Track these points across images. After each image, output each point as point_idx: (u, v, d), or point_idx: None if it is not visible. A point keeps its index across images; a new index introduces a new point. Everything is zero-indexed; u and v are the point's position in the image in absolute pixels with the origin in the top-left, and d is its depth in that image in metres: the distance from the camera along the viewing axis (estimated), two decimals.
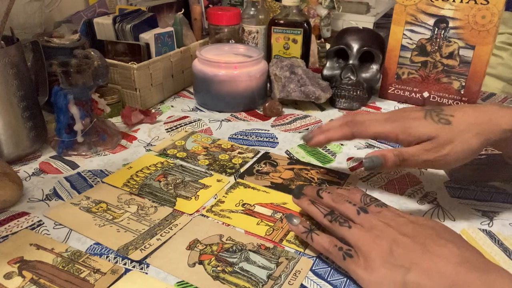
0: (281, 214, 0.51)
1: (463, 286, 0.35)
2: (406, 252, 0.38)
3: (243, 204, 0.52)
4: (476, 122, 0.46)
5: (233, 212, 0.51)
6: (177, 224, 0.49)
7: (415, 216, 0.43)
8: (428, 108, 0.49)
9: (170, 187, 0.55)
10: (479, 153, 0.47)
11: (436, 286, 0.36)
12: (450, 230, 0.41)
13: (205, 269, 0.42)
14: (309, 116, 0.77)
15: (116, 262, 0.43)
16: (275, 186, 0.56)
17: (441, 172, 0.60)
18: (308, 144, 0.53)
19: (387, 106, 0.82)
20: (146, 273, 0.42)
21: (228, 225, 0.49)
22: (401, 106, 0.83)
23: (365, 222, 0.42)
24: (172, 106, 0.80)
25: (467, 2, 0.72)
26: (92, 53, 0.62)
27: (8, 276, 0.41)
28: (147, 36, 0.77)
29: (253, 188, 0.56)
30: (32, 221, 0.49)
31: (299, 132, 0.71)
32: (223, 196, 0.54)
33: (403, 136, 0.48)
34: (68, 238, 0.46)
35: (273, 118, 0.76)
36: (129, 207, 0.51)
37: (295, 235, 0.47)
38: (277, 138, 0.69)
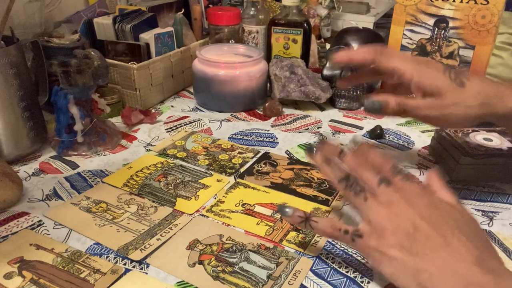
0: None
1: (477, 286, 0.34)
2: (424, 241, 0.36)
3: (243, 204, 0.52)
4: (487, 93, 0.47)
5: (233, 212, 0.51)
6: (177, 224, 0.49)
7: (440, 198, 0.40)
8: (450, 66, 0.50)
9: (170, 187, 0.55)
10: (478, 122, 0.48)
11: (448, 283, 0.35)
12: (472, 222, 0.39)
13: (205, 269, 0.42)
14: (309, 116, 0.77)
15: (116, 262, 0.43)
16: (275, 186, 0.56)
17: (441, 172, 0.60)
18: (331, 61, 0.54)
19: None
20: (146, 273, 0.42)
21: (228, 225, 0.49)
22: None
23: (385, 196, 0.39)
24: (172, 106, 0.80)
25: (467, 2, 0.72)
26: (92, 53, 0.62)
27: (8, 276, 0.41)
28: (147, 36, 0.77)
29: (253, 188, 0.56)
30: (32, 221, 0.49)
31: (299, 132, 0.71)
32: (223, 196, 0.54)
33: (417, 79, 0.49)
34: (68, 238, 0.46)
35: (273, 118, 0.76)
36: (129, 207, 0.51)
37: (295, 235, 0.47)
38: (277, 138, 0.69)
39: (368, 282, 0.42)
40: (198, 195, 0.54)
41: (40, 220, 0.49)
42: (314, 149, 0.45)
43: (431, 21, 0.76)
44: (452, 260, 0.35)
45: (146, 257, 0.44)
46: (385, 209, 0.39)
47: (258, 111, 0.79)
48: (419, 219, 0.37)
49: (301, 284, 0.41)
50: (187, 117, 0.76)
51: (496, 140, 0.58)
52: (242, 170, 0.60)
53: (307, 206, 0.52)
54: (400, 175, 0.41)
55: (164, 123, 0.73)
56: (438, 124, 0.50)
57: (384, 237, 0.38)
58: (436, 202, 0.39)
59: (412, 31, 0.78)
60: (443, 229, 0.37)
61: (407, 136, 0.71)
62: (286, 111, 0.79)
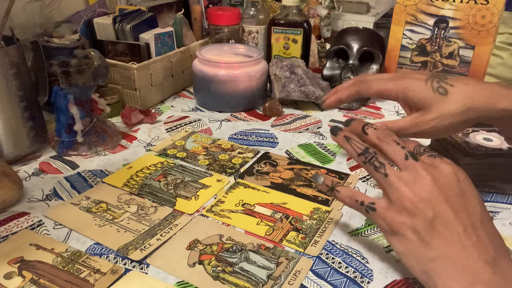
0: (281, 214, 0.51)
1: (485, 285, 0.33)
2: (442, 229, 0.35)
3: (243, 204, 0.52)
4: (474, 95, 0.46)
5: (233, 212, 0.51)
6: (177, 224, 0.49)
7: (468, 185, 0.38)
8: (434, 73, 0.50)
9: (170, 187, 0.55)
10: (467, 127, 0.48)
11: (455, 276, 0.34)
12: (490, 217, 0.38)
13: (205, 269, 0.42)
14: (309, 116, 0.77)
15: (116, 262, 0.43)
16: (275, 186, 0.56)
17: None
18: (322, 107, 0.55)
19: (387, 106, 0.82)
20: (146, 273, 0.42)
21: (228, 225, 0.49)
22: None
23: (411, 171, 0.37)
24: (172, 106, 0.80)
25: (467, 2, 0.72)
26: (92, 53, 0.62)
27: (8, 276, 0.41)
28: (147, 36, 0.77)
29: (253, 188, 0.56)
30: (32, 221, 0.49)
31: (299, 132, 0.71)
32: (223, 196, 0.54)
33: (401, 96, 0.49)
34: (68, 238, 0.46)
35: (273, 118, 0.76)
36: (129, 207, 0.51)
37: (295, 235, 0.47)
38: (277, 138, 0.69)
39: (368, 282, 0.42)
40: (198, 195, 0.54)
41: (40, 220, 0.49)
42: (338, 132, 0.44)
43: (431, 21, 0.76)
44: (466, 255, 0.34)
45: (146, 257, 0.44)
46: (408, 188, 0.36)
47: (258, 111, 0.79)
48: (442, 205, 0.36)
49: (301, 284, 0.41)
50: (187, 117, 0.76)
51: (496, 140, 0.58)
52: (242, 170, 0.60)
53: (307, 206, 0.52)
54: (427, 153, 0.39)
55: (164, 123, 0.73)
56: (429, 137, 0.50)
57: (402, 216, 0.37)
58: (464, 188, 0.37)
59: (412, 31, 0.78)
60: (464, 219, 0.35)
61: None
62: (286, 111, 0.79)
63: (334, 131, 0.44)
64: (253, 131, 0.71)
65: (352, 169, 0.61)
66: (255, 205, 0.52)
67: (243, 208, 0.52)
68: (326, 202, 0.53)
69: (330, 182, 0.44)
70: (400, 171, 0.38)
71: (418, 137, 0.50)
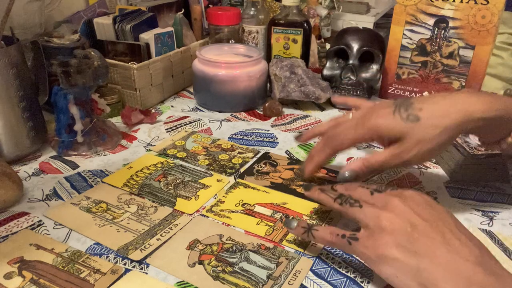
0: (281, 214, 0.51)
1: (480, 287, 0.34)
2: (423, 238, 0.36)
3: (243, 204, 0.52)
4: (446, 113, 0.44)
5: (233, 212, 0.51)
6: (177, 224, 0.49)
7: (434, 201, 0.40)
8: (398, 101, 0.48)
9: (170, 187, 0.55)
10: (450, 144, 0.47)
11: (451, 282, 0.34)
12: (463, 225, 0.39)
13: (205, 269, 0.42)
14: (309, 116, 0.77)
15: (116, 262, 0.43)
16: (275, 186, 0.56)
17: (441, 172, 0.60)
18: (304, 176, 0.55)
19: None
20: (146, 273, 0.42)
21: (228, 225, 0.49)
22: None
23: (379, 200, 0.40)
24: (172, 106, 0.80)
25: (467, 2, 0.72)
26: (92, 53, 0.62)
27: (8, 276, 0.41)
28: (147, 36, 0.77)
29: (253, 188, 0.56)
30: (32, 221, 0.49)
31: (299, 132, 0.71)
32: (223, 196, 0.54)
33: (375, 137, 0.48)
34: (68, 238, 0.46)
35: (273, 118, 0.76)
36: (129, 207, 0.51)
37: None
38: (277, 138, 0.69)
39: (368, 282, 0.42)
40: (198, 195, 0.54)
41: (40, 220, 0.49)
42: (311, 187, 0.48)
43: (431, 21, 0.76)
44: (454, 259, 0.35)
45: (146, 257, 0.44)
46: (381, 211, 0.39)
47: (258, 111, 0.79)
48: (416, 218, 0.38)
49: (301, 284, 0.41)
50: (187, 117, 0.76)
51: None
52: (242, 170, 0.60)
53: (307, 206, 0.52)
54: (390, 188, 0.42)
55: (164, 123, 0.73)
56: (411, 165, 0.49)
57: (383, 238, 0.38)
58: (431, 202, 0.40)
59: (412, 31, 0.78)
60: (441, 226, 0.37)
61: None
62: (286, 111, 0.79)
63: (308, 187, 0.48)
64: (253, 131, 0.71)
65: None
66: (255, 205, 0.52)
67: (243, 208, 0.52)
68: None
69: (306, 224, 0.44)
70: (369, 204, 0.41)
71: (402, 167, 0.49)
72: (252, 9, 0.93)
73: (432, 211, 0.39)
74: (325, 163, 0.53)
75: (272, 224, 0.49)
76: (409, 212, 0.38)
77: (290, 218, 0.46)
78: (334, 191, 0.45)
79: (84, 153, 0.62)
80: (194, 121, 0.74)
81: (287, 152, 0.65)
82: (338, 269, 0.43)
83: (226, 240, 0.46)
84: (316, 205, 0.53)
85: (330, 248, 0.46)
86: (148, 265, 0.43)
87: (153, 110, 0.78)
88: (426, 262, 0.35)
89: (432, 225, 0.37)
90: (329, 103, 0.81)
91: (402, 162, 0.47)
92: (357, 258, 0.45)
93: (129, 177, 0.57)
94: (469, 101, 0.45)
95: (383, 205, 0.40)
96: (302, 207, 0.52)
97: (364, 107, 0.52)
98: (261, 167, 0.61)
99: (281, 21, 0.86)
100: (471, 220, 0.51)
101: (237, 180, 0.58)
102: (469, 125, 0.44)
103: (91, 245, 0.45)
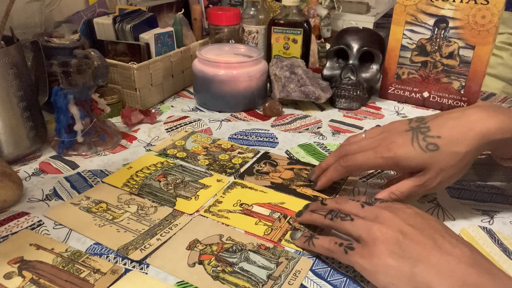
0: (279, 213, 0.51)
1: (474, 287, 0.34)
2: (414, 244, 0.37)
3: (241, 204, 0.52)
4: (465, 139, 0.45)
5: (231, 212, 0.51)
6: (177, 224, 0.49)
7: (421, 211, 0.42)
8: (414, 126, 0.48)
9: (170, 187, 0.55)
10: (470, 166, 0.47)
11: (445, 284, 0.35)
12: (453, 231, 0.40)
13: (205, 269, 0.42)
14: (309, 116, 0.77)
15: (116, 262, 0.43)
16: (275, 186, 0.56)
17: None
18: (314, 188, 0.55)
19: (387, 106, 0.82)
20: (146, 273, 0.42)
21: (228, 225, 0.49)
22: (401, 106, 0.83)
23: (369, 213, 0.41)
24: (172, 106, 0.80)
25: (467, 2, 0.72)
26: (92, 53, 0.62)
27: (8, 276, 0.41)
28: (147, 36, 0.77)
29: (250, 188, 0.56)
30: (32, 221, 0.49)
31: (299, 132, 0.71)
32: (221, 196, 0.54)
33: (396, 169, 0.49)
34: (68, 238, 0.46)
35: (273, 118, 0.76)
36: (129, 207, 0.51)
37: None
38: (277, 138, 0.69)
39: (368, 282, 0.42)
40: (198, 195, 0.54)
41: (40, 220, 0.49)
42: (301, 213, 0.49)
43: (431, 21, 0.76)
44: (447, 261, 0.36)
45: (146, 257, 0.44)
46: (373, 223, 0.40)
47: (258, 111, 0.79)
48: (406, 227, 0.39)
49: (301, 284, 0.41)
50: (187, 117, 0.76)
51: None
52: (242, 170, 0.60)
53: None
54: (379, 201, 0.43)
55: (164, 123, 0.73)
56: (436, 191, 0.50)
57: (376, 247, 0.38)
58: (420, 213, 0.41)
59: (412, 31, 0.78)
60: (431, 232, 0.38)
61: None
62: (286, 111, 0.79)
63: (298, 214, 0.49)
64: (253, 131, 0.71)
65: None
66: (253, 205, 0.52)
67: (241, 208, 0.52)
68: None
69: (308, 233, 0.45)
70: (360, 217, 0.42)
71: (427, 193, 0.50)
72: (252, 9, 0.93)
73: (422, 220, 0.40)
74: (336, 180, 0.54)
75: (270, 224, 0.49)
76: (400, 222, 0.39)
77: (296, 229, 0.48)
78: (324, 205, 0.46)
79: (84, 153, 0.62)
80: (194, 121, 0.74)
81: (287, 152, 0.65)
82: (338, 269, 0.43)
83: (226, 240, 0.46)
84: None
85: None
86: (148, 265, 0.43)
87: (153, 110, 0.78)
88: (420, 266, 0.36)
89: (423, 232, 0.38)
90: (329, 103, 0.81)
91: (427, 191, 0.48)
92: None
93: (129, 177, 0.57)
94: (486, 123, 0.44)
95: (373, 218, 0.41)
96: (300, 207, 0.52)
97: (376, 129, 0.52)
98: (261, 167, 0.61)
99: (281, 21, 0.86)
100: (471, 220, 0.51)
101: (235, 180, 0.58)
102: (486, 147, 0.45)
103: (91, 245, 0.45)
